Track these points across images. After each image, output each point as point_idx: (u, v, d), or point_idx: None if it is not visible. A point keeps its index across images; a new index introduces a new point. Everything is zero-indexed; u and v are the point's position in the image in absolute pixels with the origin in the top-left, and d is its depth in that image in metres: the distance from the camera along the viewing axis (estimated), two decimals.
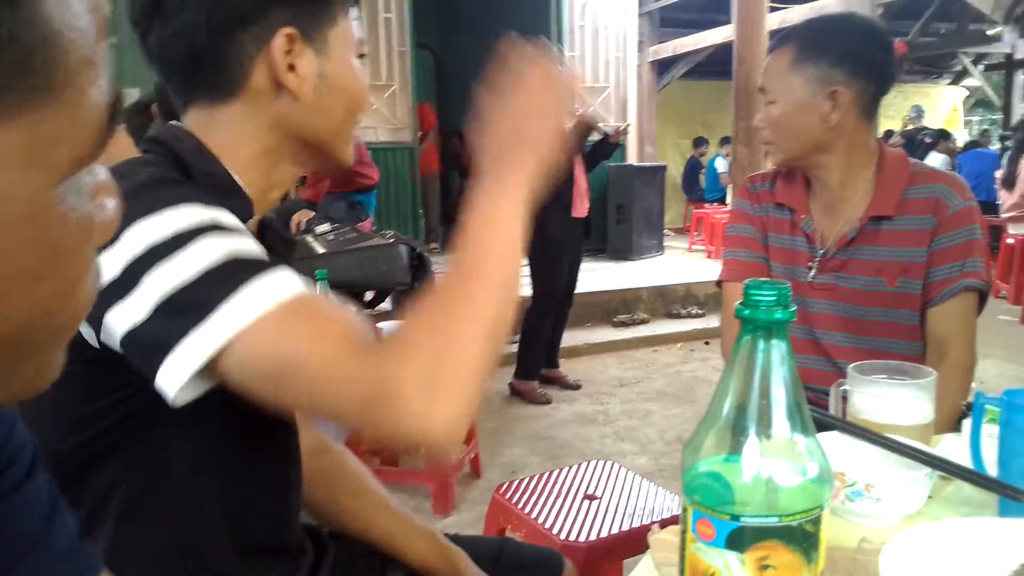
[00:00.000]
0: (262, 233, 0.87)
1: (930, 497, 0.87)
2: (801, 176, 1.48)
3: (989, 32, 9.07)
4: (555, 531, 1.52)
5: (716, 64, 9.07)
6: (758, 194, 1.53)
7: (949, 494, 0.90)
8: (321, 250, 3.07)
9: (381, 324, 2.40)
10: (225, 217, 0.68)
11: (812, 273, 1.43)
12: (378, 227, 4.34)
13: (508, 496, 1.65)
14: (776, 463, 0.56)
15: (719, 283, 1.54)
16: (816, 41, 1.38)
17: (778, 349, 0.57)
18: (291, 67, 0.74)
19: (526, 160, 0.72)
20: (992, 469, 0.85)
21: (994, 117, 14.31)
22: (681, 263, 6.59)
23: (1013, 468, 0.82)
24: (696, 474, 0.59)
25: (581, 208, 3.91)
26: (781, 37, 1.44)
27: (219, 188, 0.74)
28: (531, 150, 0.71)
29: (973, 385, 1.35)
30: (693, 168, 9.76)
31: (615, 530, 1.51)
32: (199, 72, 0.75)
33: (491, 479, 2.87)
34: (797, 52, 1.38)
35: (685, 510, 0.58)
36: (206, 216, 0.66)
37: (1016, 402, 0.82)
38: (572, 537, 1.50)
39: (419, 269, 3.13)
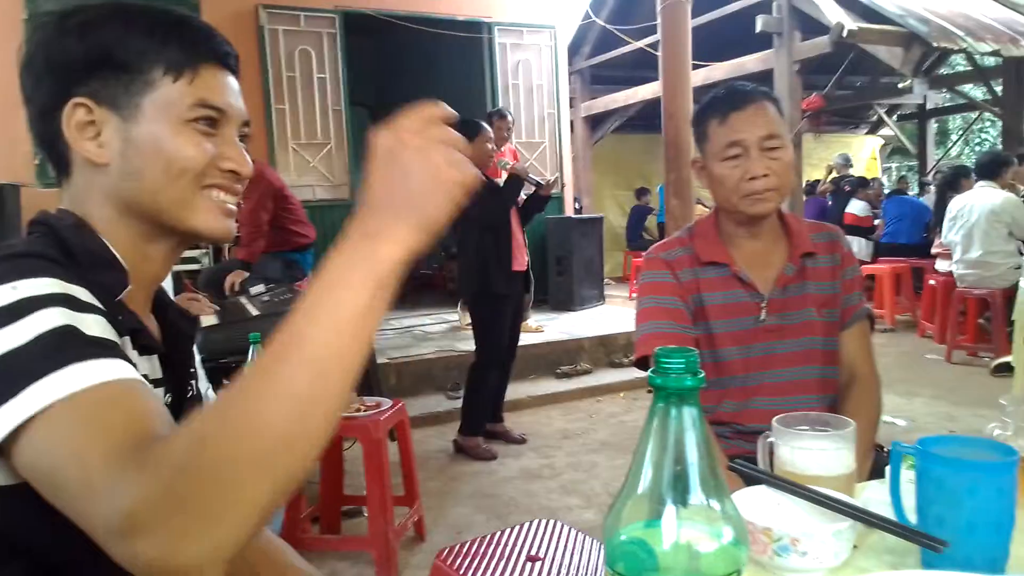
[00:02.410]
0: (163, 310, 0.86)
1: (855, 547, 0.89)
2: (714, 233, 1.56)
3: (900, 85, 9.61)
4: None
5: (646, 118, 9.39)
6: (676, 261, 1.55)
7: (874, 543, 0.92)
8: (255, 312, 3.01)
9: None
10: (81, 294, 0.68)
11: (763, 316, 1.50)
12: None
13: (450, 562, 1.61)
14: (694, 528, 0.57)
15: (639, 361, 1.52)
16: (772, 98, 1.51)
17: (690, 414, 0.59)
18: (97, 135, 0.77)
19: (401, 220, 0.61)
20: (913, 516, 0.88)
21: (910, 163, 15.10)
22: (622, 312, 6.67)
23: (930, 516, 0.85)
24: (618, 543, 0.60)
25: (520, 261, 3.95)
26: (747, 93, 1.49)
27: (95, 263, 0.76)
28: (409, 210, 0.61)
29: (903, 424, 1.42)
30: (640, 216, 9.97)
31: None
32: (47, 152, 0.81)
33: (436, 541, 2.81)
34: (775, 106, 1.50)
35: None
36: (56, 289, 0.66)
37: (929, 451, 0.85)
38: None
39: None
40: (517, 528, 1.78)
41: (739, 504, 0.89)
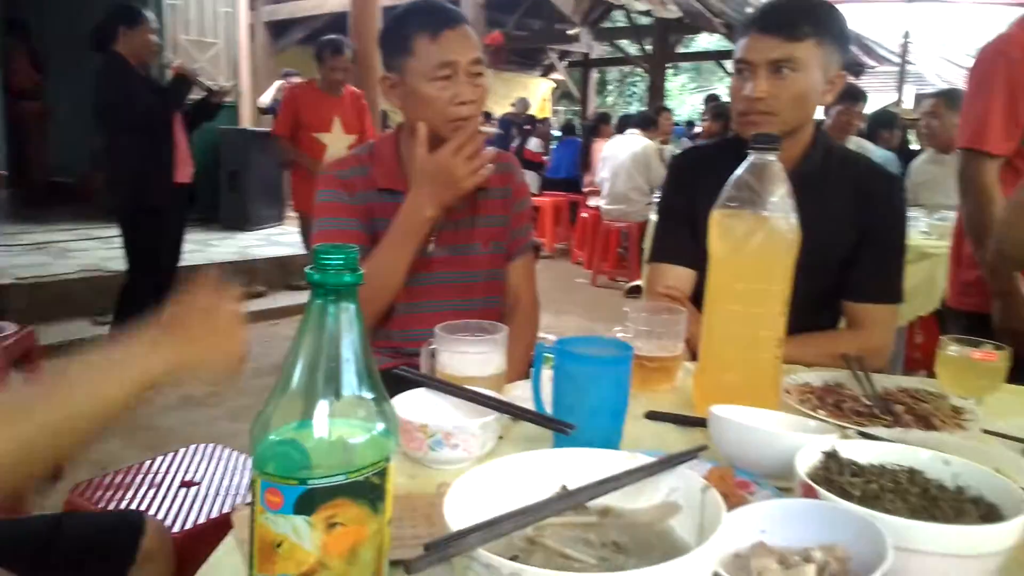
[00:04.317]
0: None
1: (501, 437, 0.97)
2: (393, 157, 1.51)
3: (570, 32, 10.45)
4: None
5: (336, 32, 9.00)
6: (350, 182, 1.49)
7: (516, 434, 1.02)
8: None
9: None
10: None
11: (431, 248, 1.50)
12: None
13: (87, 495, 1.45)
14: (346, 422, 0.56)
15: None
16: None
17: (347, 312, 0.57)
18: None
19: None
20: (551, 407, 0.98)
21: (575, 108, 16.63)
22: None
23: (563, 406, 0.95)
24: (268, 444, 0.57)
25: (184, 172, 3.60)
26: (455, 12, 1.43)
27: None
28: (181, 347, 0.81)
29: (553, 338, 1.58)
30: None
31: (214, 514, 1.43)
32: None
33: (76, 479, 2.52)
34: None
35: (254, 482, 0.56)
36: None
37: (564, 349, 0.95)
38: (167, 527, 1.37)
39: None
40: (170, 456, 1.66)
41: (399, 406, 0.92)
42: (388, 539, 0.58)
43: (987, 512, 0.70)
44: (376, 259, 1.39)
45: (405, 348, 1.49)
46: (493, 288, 1.59)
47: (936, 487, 0.74)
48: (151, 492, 1.49)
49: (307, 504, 0.53)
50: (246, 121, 7.08)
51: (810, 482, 0.71)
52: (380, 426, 0.57)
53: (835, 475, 0.75)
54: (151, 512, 1.41)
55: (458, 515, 0.62)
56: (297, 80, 5.57)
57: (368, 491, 0.55)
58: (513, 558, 0.58)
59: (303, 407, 0.56)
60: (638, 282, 5.87)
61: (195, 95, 3.73)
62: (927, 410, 1.08)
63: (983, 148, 2.00)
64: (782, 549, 0.65)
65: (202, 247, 5.56)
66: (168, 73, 3.92)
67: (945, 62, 13.91)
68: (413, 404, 0.97)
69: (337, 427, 0.56)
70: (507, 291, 1.62)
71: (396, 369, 1.03)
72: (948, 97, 3.93)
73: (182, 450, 1.69)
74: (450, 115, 1.40)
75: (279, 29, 9.94)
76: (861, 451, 0.80)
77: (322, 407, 0.56)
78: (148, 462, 1.61)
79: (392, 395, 0.73)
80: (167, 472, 1.57)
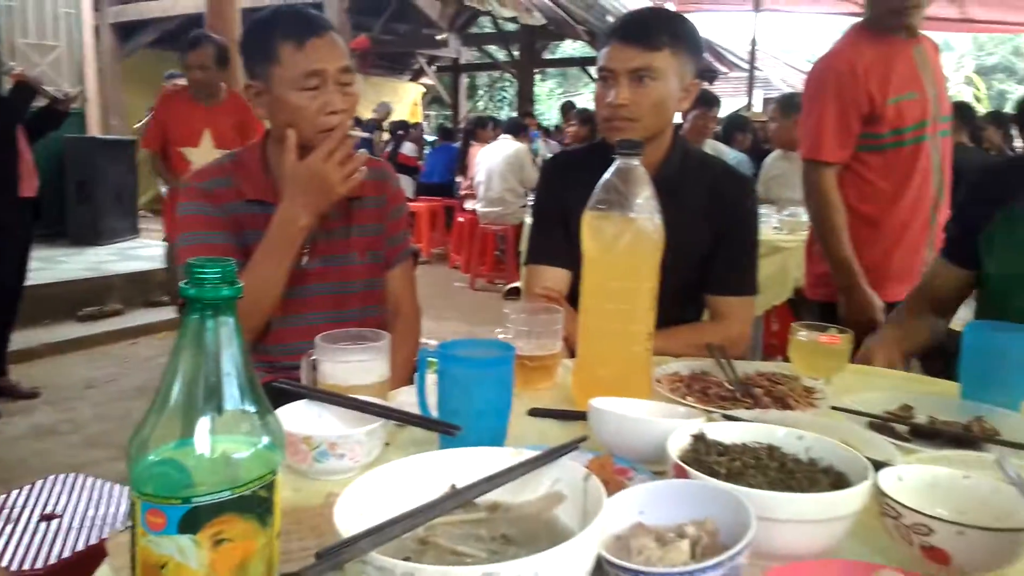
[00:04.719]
0: None
1: (387, 443, 0.97)
2: (259, 166, 1.47)
3: (438, 37, 10.47)
4: (3, 563, 1.28)
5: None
6: (215, 193, 1.44)
7: (402, 439, 1.02)
8: None
9: None
10: None
11: (305, 260, 1.47)
12: None
13: None
14: (229, 438, 0.55)
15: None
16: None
17: (227, 326, 0.57)
18: None
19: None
20: (436, 412, 0.99)
21: (446, 112, 16.66)
22: (161, 247, 6.14)
23: (448, 408, 0.96)
24: (147, 464, 0.55)
25: (29, 186, 3.34)
26: (320, 19, 1.41)
27: None
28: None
29: (434, 342, 1.59)
30: None
31: (80, 547, 1.34)
32: None
33: None
34: None
35: (133, 505, 0.54)
36: None
37: (448, 353, 0.97)
38: (26, 565, 1.28)
39: None
40: (27, 488, 1.54)
41: (281, 418, 0.90)
42: (277, 552, 0.57)
43: (836, 480, 0.77)
44: (251, 273, 1.35)
45: (282, 362, 1.45)
46: (371, 298, 1.57)
47: (792, 461, 0.81)
48: (7, 528, 1.38)
49: (192, 522, 0.52)
50: (94, 128, 6.64)
51: (681, 463, 0.76)
52: (265, 439, 0.57)
53: (703, 456, 0.81)
54: (8, 551, 1.31)
55: (349, 522, 0.62)
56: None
57: (255, 505, 0.54)
58: (405, 559, 0.59)
59: (183, 424, 0.55)
60: (516, 284, 5.96)
61: (38, 103, 3.47)
62: (783, 391, 1.17)
63: (820, 158, 2.19)
64: (659, 528, 0.69)
65: (49, 264, 5.17)
66: (6, 81, 3.62)
67: (788, 67, 15.03)
68: (295, 416, 0.95)
69: (220, 442, 0.55)
70: (387, 300, 1.61)
71: (276, 382, 1.01)
72: (782, 103, 4.28)
73: (39, 482, 1.57)
74: (320, 125, 1.37)
75: (127, 31, 9.39)
76: (726, 432, 0.86)
77: (203, 423, 0.55)
78: (2, 497, 1.49)
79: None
80: (24, 506, 1.46)
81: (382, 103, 10.69)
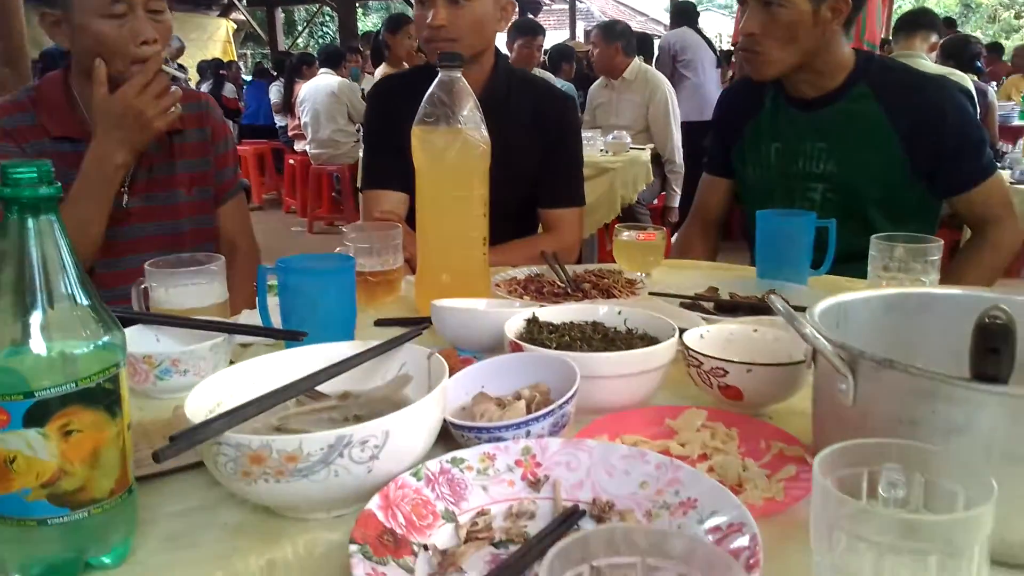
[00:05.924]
0: None
1: (232, 363, 0.97)
2: (65, 100, 1.38)
3: None
4: None
5: None
6: (18, 131, 1.34)
7: (247, 358, 1.02)
8: None
9: None
10: None
11: (125, 200, 1.40)
12: None
13: None
14: (65, 333, 0.55)
15: None
16: None
17: (49, 224, 0.56)
18: None
19: None
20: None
21: (264, 51, 15.73)
22: None
23: (294, 321, 0.98)
24: None
25: None
26: None
27: None
28: None
29: None
30: None
31: None
32: None
33: None
34: None
35: None
36: None
37: (289, 267, 0.98)
38: None
39: None
40: None
41: None
42: (130, 442, 0.58)
43: (651, 343, 0.88)
44: (66, 215, 1.25)
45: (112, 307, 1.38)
46: (202, 235, 1.53)
47: (613, 332, 0.91)
48: None
49: (38, 416, 0.52)
50: None
51: (517, 340, 0.83)
52: (101, 330, 0.57)
53: (536, 334, 0.89)
54: None
55: (200, 416, 0.64)
56: None
57: (102, 397, 0.55)
58: None
59: (16, 322, 0.54)
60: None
61: None
62: (608, 284, 1.28)
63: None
64: (499, 395, 0.76)
65: None
66: None
67: (607, 0, 15.43)
68: (130, 340, 0.93)
69: (56, 335, 0.54)
70: (221, 238, 1.57)
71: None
72: (604, 29, 4.43)
73: None
74: (132, 55, 1.30)
75: None
76: (555, 314, 0.94)
77: (36, 318, 0.54)
78: None
79: None
80: None
81: (174, 37, 9.89)
